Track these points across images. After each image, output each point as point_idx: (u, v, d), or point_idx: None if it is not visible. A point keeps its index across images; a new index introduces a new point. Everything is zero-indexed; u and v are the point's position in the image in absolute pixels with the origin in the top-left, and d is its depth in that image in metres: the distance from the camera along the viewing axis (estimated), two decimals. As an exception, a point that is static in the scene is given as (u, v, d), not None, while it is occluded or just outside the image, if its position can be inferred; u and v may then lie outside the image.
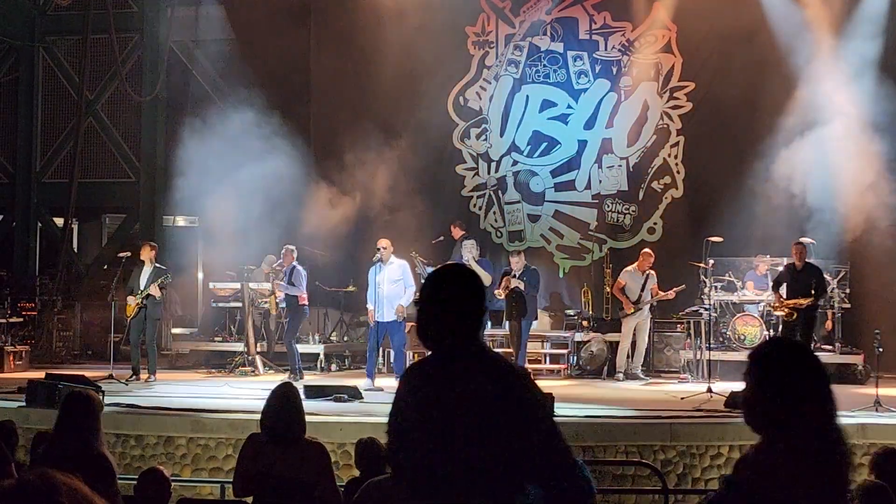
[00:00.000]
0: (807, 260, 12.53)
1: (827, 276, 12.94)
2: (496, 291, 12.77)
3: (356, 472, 6.12)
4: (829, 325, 13.80)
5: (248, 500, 5.54)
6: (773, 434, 2.75)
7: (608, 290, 14.83)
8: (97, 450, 5.22)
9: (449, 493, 3.02)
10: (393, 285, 11.90)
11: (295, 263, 13.55)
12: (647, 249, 14.03)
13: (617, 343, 13.88)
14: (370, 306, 12.08)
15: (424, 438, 3.08)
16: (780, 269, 13.11)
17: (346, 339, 15.90)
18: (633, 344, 13.64)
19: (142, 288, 12.73)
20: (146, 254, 12.99)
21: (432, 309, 3.19)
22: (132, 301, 12.80)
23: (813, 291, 11.64)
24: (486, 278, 11.58)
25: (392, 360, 12.55)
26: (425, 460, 3.07)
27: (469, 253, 11.73)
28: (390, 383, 11.89)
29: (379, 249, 12.12)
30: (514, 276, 12.63)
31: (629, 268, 13.88)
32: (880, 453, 5.54)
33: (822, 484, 2.68)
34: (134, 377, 12.55)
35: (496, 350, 13.87)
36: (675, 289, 13.50)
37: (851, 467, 2.86)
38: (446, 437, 3.03)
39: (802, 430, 2.71)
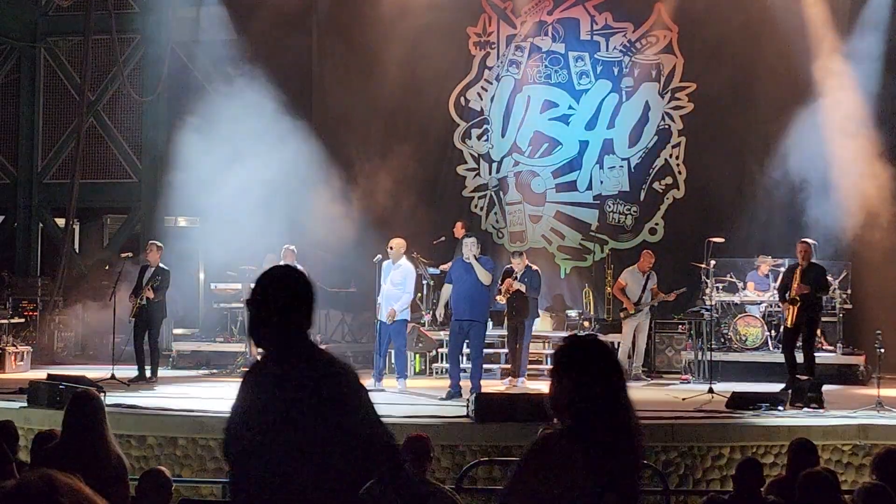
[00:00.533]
0: (812, 260, 12.41)
1: (829, 277, 12.90)
2: (497, 297, 12.75)
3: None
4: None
5: None
6: (571, 421, 3.00)
7: (609, 290, 14.82)
8: (111, 450, 5.24)
9: (281, 488, 3.12)
10: (395, 288, 11.88)
11: (296, 263, 13.53)
12: (647, 250, 14.03)
13: (618, 344, 13.87)
14: (380, 300, 12.07)
15: (256, 437, 3.19)
16: (782, 269, 13.00)
17: (347, 339, 15.89)
18: (634, 345, 13.64)
19: (142, 289, 12.73)
20: (151, 255, 12.97)
21: (261, 310, 3.29)
22: (133, 302, 12.80)
23: (814, 287, 11.64)
24: (487, 276, 11.50)
25: (393, 360, 12.54)
26: (257, 458, 3.17)
27: (469, 251, 11.63)
28: (391, 383, 11.90)
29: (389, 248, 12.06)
30: (516, 277, 12.61)
31: (630, 268, 13.88)
32: (882, 454, 5.53)
33: (614, 468, 2.93)
34: (139, 378, 12.54)
35: (486, 350, 13.72)
36: (675, 291, 13.51)
37: (643, 453, 3.16)
38: (276, 434, 3.14)
39: (597, 418, 2.95)
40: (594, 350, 3.09)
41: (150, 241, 13.65)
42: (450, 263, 12.90)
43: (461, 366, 11.89)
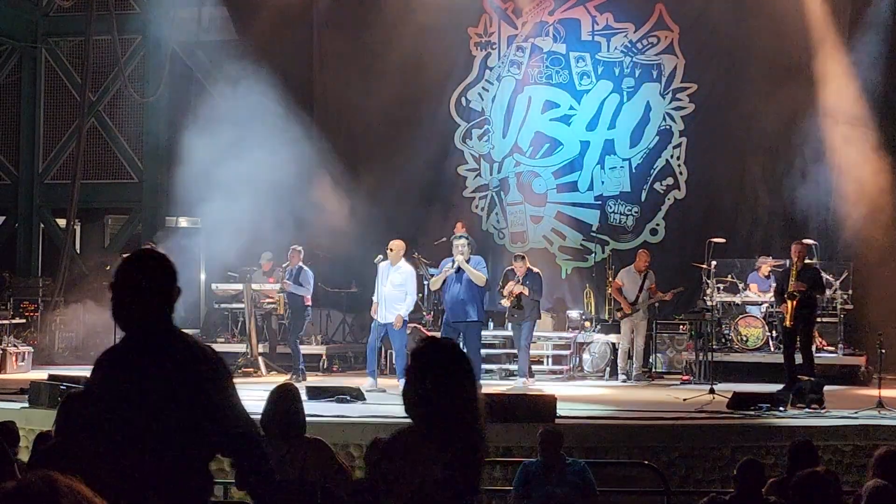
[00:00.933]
0: (806, 261, 12.40)
1: (829, 277, 12.89)
2: (501, 301, 12.71)
3: (358, 474, 6.12)
4: None
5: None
6: (420, 418, 3.19)
7: (610, 291, 14.82)
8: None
9: (143, 469, 3.13)
10: (394, 289, 11.84)
11: (301, 264, 13.54)
12: (643, 249, 14.02)
13: (618, 344, 13.87)
14: (375, 300, 12.04)
15: (116, 420, 3.19)
16: (781, 271, 12.97)
17: (348, 339, 15.89)
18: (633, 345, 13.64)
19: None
20: None
21: (122, 293, 3.32)
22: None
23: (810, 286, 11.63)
24: (481, 278, 11.39)
25: (394, 360, 12.54)
26: (119, 440, 3.18)
27: (460, 254, 11.43)
28: (392, 383, 11.90)
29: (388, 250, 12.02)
30: (518, 281, 12.58)
31: (627, 268, 13.89)
32: (884, 454, 5.52)
33: (457, 462, 3.12)
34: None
35: (487, 350, 13.64)
36: (672, 290, 13.50)
37: (484, 456, 3.31)
38: (136, 416, 3.16)
39: (443, 416, 3.14)
40: (446, 354, 3.29)
41: (147, 241, 13.66)
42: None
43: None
